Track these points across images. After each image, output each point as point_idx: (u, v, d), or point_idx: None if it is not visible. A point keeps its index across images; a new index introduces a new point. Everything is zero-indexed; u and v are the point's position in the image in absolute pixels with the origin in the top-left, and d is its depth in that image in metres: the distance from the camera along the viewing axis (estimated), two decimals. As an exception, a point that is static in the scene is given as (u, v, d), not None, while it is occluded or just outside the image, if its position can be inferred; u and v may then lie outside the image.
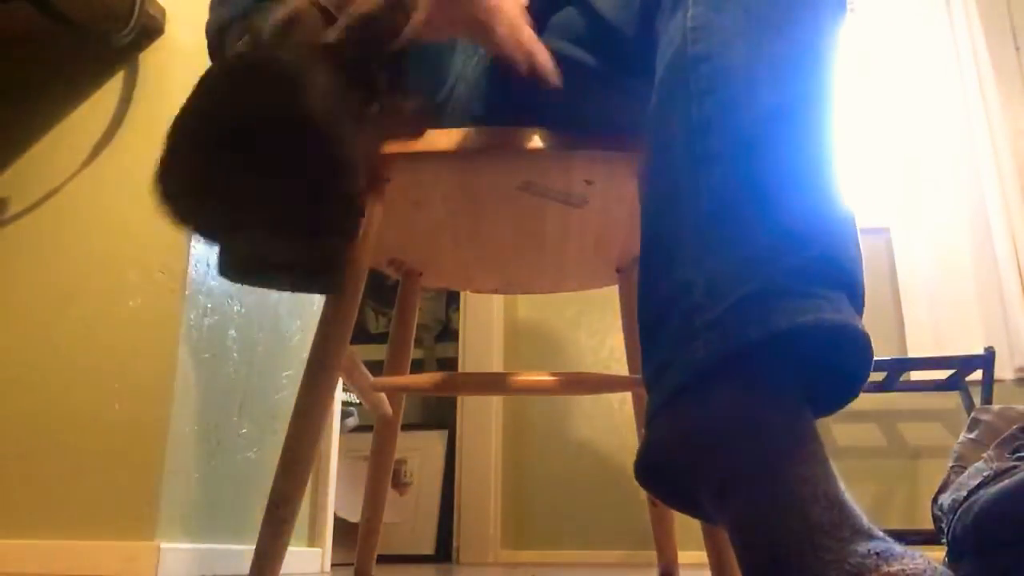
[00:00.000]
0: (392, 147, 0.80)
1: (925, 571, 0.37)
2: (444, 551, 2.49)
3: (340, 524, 1.93)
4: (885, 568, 0.37)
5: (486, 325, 2.60)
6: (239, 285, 1.18)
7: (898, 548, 0.39)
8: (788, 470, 0.43)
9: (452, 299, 3.08)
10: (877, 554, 0.38)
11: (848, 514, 0.41)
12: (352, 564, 1.08)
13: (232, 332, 1.36)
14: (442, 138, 0.79)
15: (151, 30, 1.37)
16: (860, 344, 0.47)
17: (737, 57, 0.53)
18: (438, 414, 2.90)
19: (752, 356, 0.46)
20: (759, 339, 0.45)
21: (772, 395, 0.46)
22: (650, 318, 0.53)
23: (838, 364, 0.48)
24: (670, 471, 0.51)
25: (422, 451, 2.66)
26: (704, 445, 0.47)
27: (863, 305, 0.50)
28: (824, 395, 0.50)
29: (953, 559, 0.82)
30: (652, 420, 0.51)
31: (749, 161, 0.50)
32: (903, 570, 0.36)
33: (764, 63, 0.52)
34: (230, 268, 0.67)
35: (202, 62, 0.72)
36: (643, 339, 0.53)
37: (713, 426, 0.47)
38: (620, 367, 2.57)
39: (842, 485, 0.43)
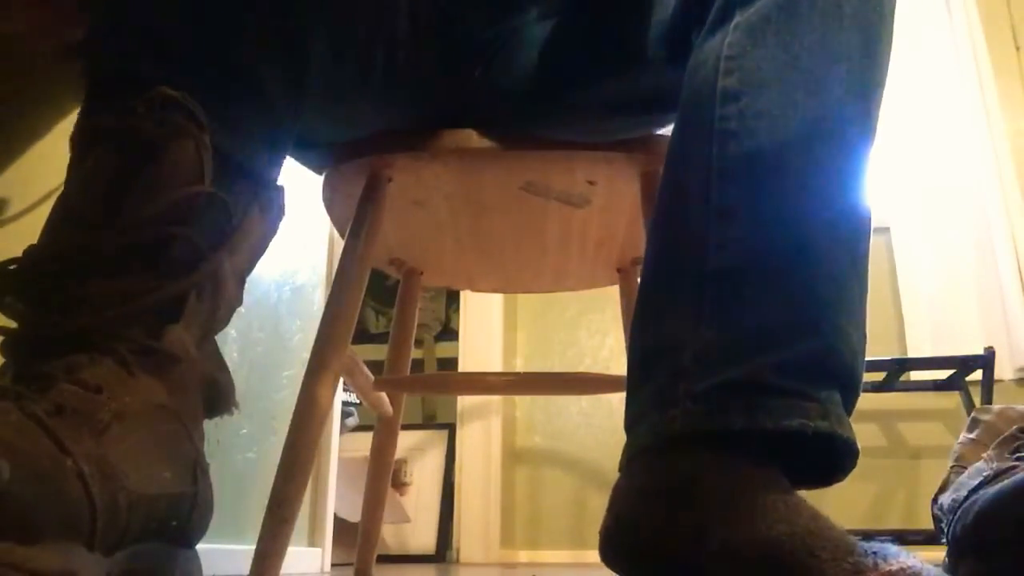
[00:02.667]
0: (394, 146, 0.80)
1: (922, 570, 0.37)
2: (444, 551, 2.49)
3: (340, 524, 1.92)
4: (884, 567, 0.37)
5: (486, 325, 2.60)
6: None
7: (893, 548, 0.39)
8: (768, 504, 0.42)
9: (452, 299, 3.08)
10: (874, 552, 0.38)
11: (833, 523, 0.41)
12: (352, 564, 1.08)
13: (232, 332, 1.36)
14: (444, 138, 0.80)
15: (152, 30, 1.37)
16: (843, 447, 0.46)
17: (767, 103, 0.50)
18: (438, 414, 2.90)
19: (730, 436, 0.45)
20: (740, 429, 0.44)
21: (747, 463, 0.45)
22: (639, 360, 0.52)
23: (820, 458, 0.47)
24: (642, 528, 0.47)
25: (422, 451, 2.66)
26: (679, 495, 0.46)
27: (857, 395, 0.48)
28: (803, 477, 0.48)
29: (953, 559, 0.82)
30: (626, 467, 0.50)
31: (766, 227, 0.48)
32: (902, 568, 0.37)
33: (794, 121, 0.49)
34: None
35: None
36: (630, 376, 0.52)
37: (688, 481, 0.46)
38: (620, 367, 2.57)
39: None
